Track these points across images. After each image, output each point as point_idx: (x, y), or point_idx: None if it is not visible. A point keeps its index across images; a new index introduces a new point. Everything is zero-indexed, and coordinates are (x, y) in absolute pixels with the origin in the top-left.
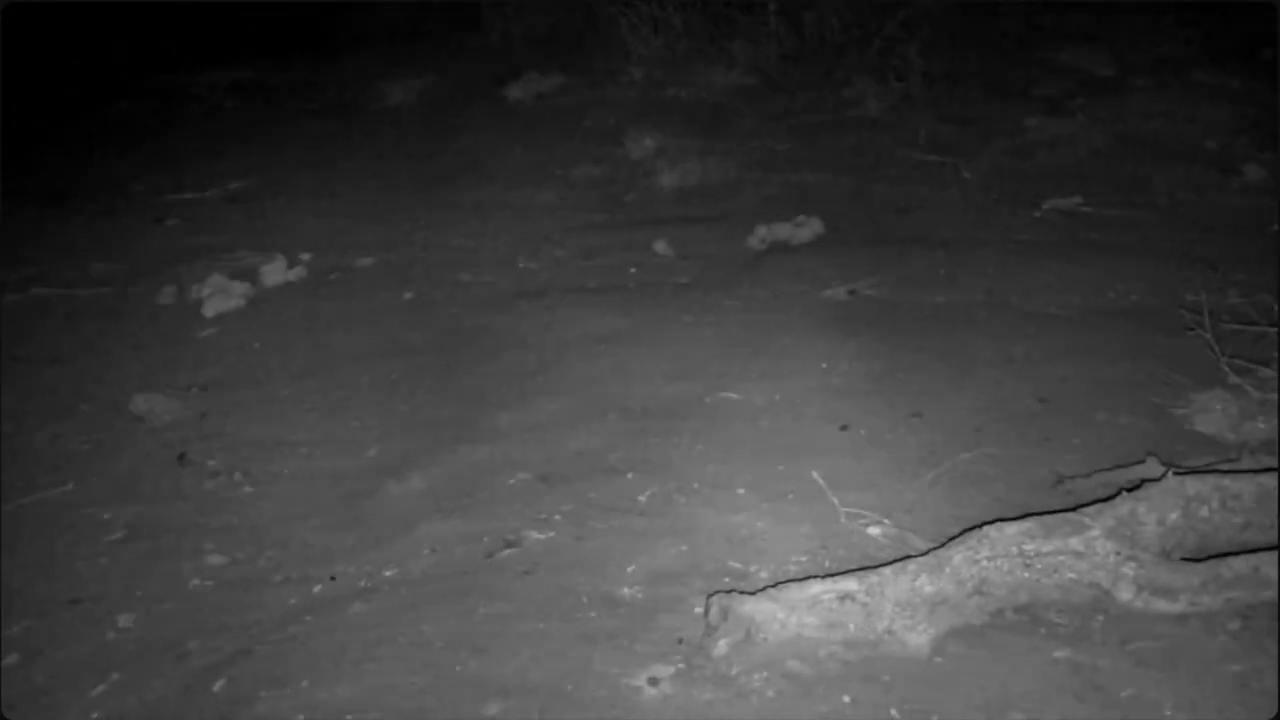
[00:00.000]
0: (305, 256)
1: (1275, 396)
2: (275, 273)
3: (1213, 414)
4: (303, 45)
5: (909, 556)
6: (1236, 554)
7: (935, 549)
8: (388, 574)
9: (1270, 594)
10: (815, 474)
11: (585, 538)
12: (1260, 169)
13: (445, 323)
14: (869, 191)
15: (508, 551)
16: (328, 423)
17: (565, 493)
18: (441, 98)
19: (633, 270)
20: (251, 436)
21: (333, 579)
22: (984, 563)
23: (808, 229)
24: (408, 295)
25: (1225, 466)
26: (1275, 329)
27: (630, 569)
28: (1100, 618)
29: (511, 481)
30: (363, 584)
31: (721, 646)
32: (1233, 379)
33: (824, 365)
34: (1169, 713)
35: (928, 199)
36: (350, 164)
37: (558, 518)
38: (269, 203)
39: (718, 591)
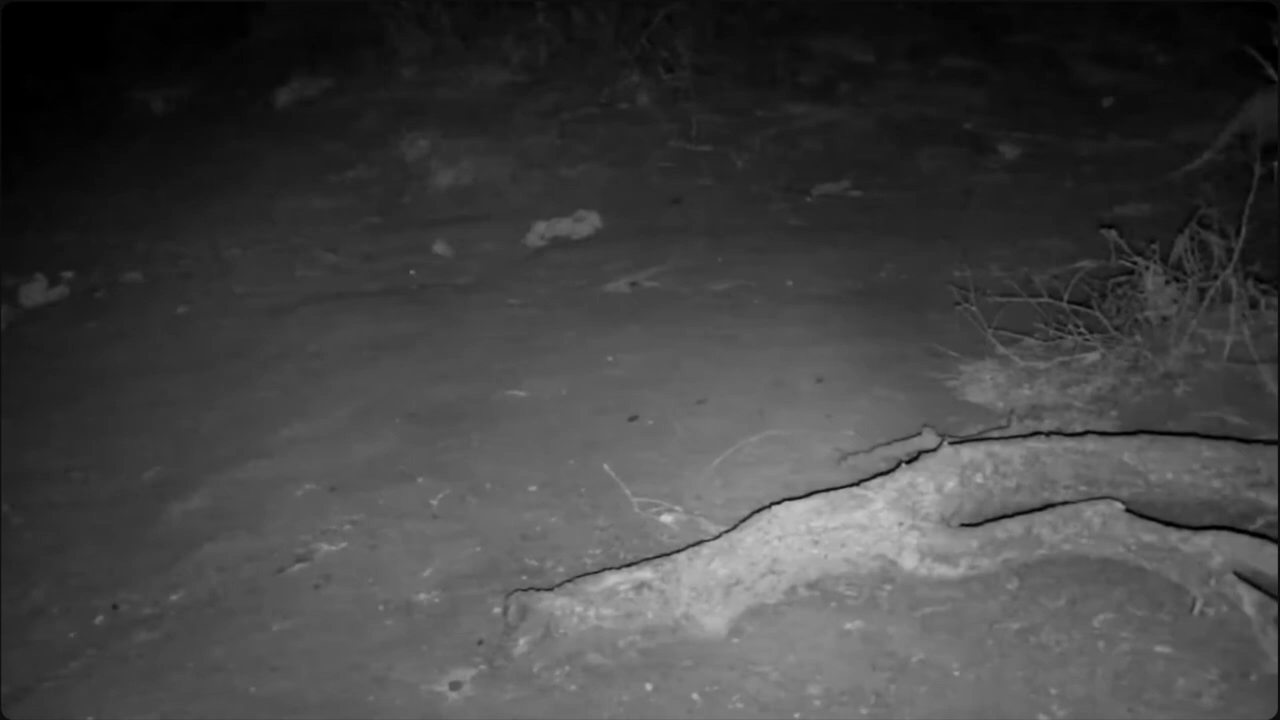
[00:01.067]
0: (67, 275)
1: (1039, 365)
2: (35, 293)
3: (982, 384)
4: (60, 49)
5: (702, 541)
6: (1010, 516)
7: (727, 532)
8: (174, 598)
9: (1043, 552)
10: (606, 466)
11: (378, 546)
12: (1014, 147)
13: (221, 336)
14: (645, 184)
15: (298, 566)
16: (101, 446)
17: (354, 502)
18: (207, 104)
19: (412, 272)
20: (19, 466)
21: (115, 608)
22: (774, 542)
23: (586, 223)
24: (180, 310)
25: (996, 433)
26: (1035, 300)
27: (426, 574)
28: (888, 587)
29: (298, 494)
30: (148, 611)
31: (522, 645)
32: (999, 350)
33: (609, 358)
34: (957, 673)
35: (702, 189)
36: (113, 177)
37: (348, 527)
38: (26, 220)
39: (515, 590)
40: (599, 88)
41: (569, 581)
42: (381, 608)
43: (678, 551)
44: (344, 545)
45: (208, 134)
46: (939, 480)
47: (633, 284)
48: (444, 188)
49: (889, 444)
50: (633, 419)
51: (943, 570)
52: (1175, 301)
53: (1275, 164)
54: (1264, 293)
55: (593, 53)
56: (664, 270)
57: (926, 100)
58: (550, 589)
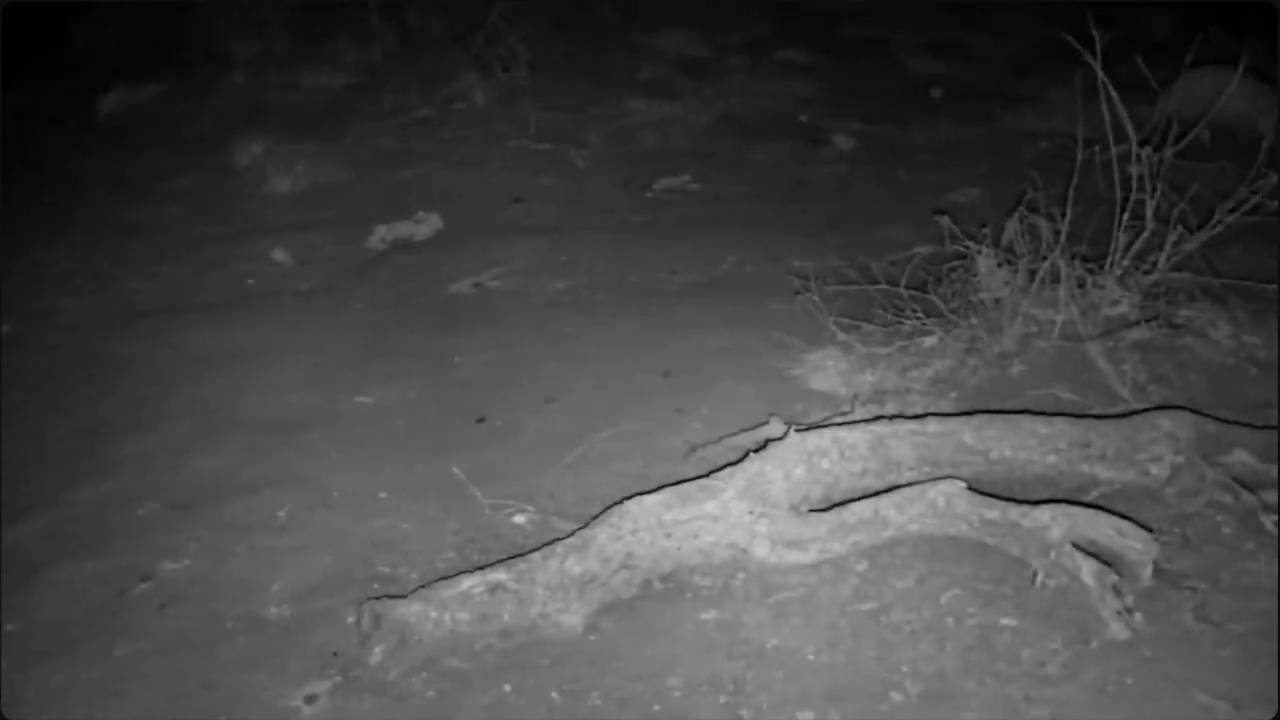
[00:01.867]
0: None
1: (880, 350)
2: None
3: (825, 371)
4: None
5: (555, 540)
6: (857, 500)
7: (580, 529)
8: (10, 628)
9: (890, 533)
10: (456, 469)
11: (225, 562)
12: (849, 139)
13: (51, 354)
14: (485, 184)
15: (143, 586)
16: None
17: (199, 518)
18: (26, 113)
19: (251, 281)
20: None
21: None
22: (628, 537)
23: (427, 225)
24: (5, 329)
25: (840, 419)
26: (873, 287)
27: (275, 588)
28: (741, 575)
29: (140, 512)
30: None
31: (377, 654)
32: (840, 337)
33: (456, 360)
34: (812, 656)
35: (543, 187)
36: None
37: (193, 545)
38: None
39: (368, 599)
40: (436, 88)
41: (423, 587)
42: (231, 625)
43: (532, 551)
44: (189, 563)
45: (27, 144)
46: (787, 468)
47: (477, 285)
48: (281, 193)
49: (737, 434)
50: (481, 420)
51: (794, 556)
52: (1007, 284)
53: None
54: (1090, 272)
55: (428, 53)
56: (508, 270)
57: (762, 94)
58: (404, 596)
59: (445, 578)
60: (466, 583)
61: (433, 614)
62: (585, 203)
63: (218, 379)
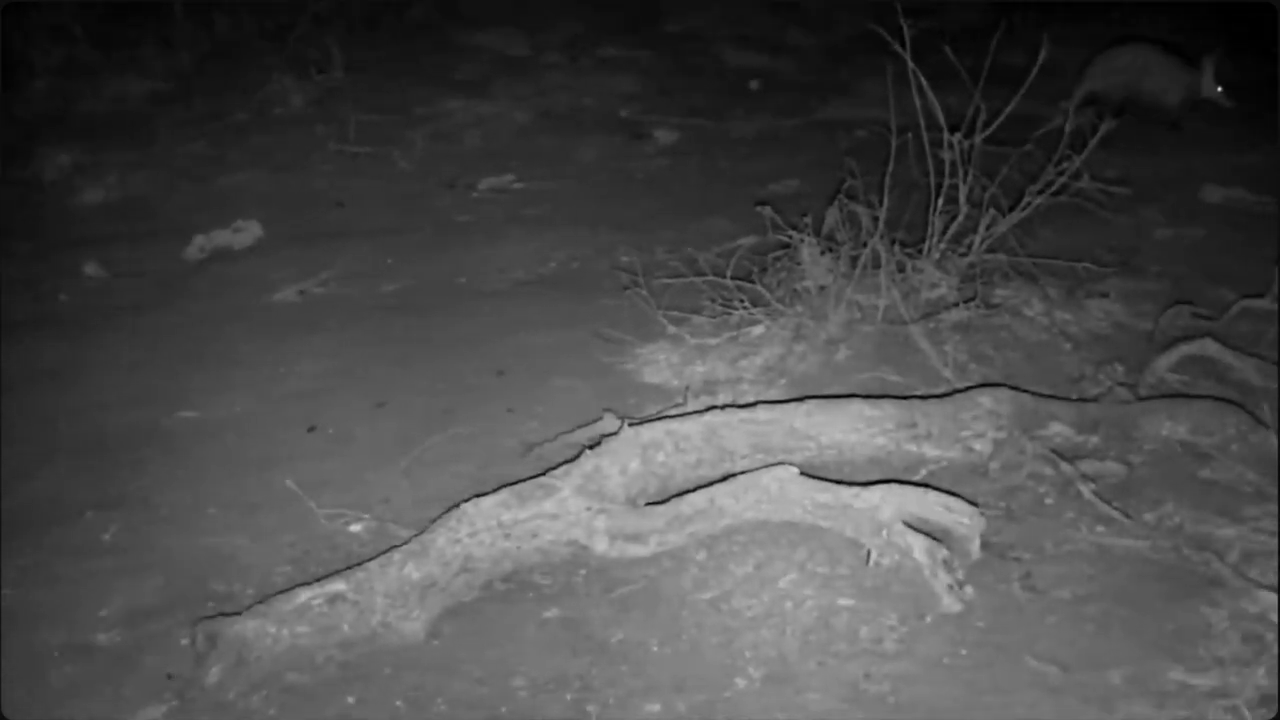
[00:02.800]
0: None
1: (710, 341)
2: None
3: (657, 364)
4: None
5: (394, 547)
6: (693, 490)
7: (418, 535)
8: None
9: (727, 522)
10: (288, 481)
11: (50, 588)
12: (670, 132)
13: None
14: (305, 189)
15: None
16: None
17: (20, 544)
18: None
19: (63, 297)
20: None
21: None
22: (466, 540)
23: (248, 233)
24: None
25: (674, 411)
26: (701, 279)
27: (104, 613)
28: (582, 572)
29: None
30: None
31: (214, 674)
32: (670, 330)
33: (281, 370)
34: (656, 648)
35: (364, 190)
36: None
37: (14, 572)
38: None
39: (203, 618)
40: (249, 93)
41: (259, 603)
42: (58, 653)
43: (370, 560)
44: (10, 592)
45: None
46: (623, 462)
47: (301, 292)
48: (92, 205)
49: (572, 431)
50: (312, 430)
51: (634, 550)
52: (830, 271)
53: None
54: (910, 257)
55: (239, 57)
56: (333, 275)
57: (583, 90)
58: (240, 613)
59: (282, 592)
60: (304, 595)
61: (270, 629)
62: (409, 205)
63: (35, 399)
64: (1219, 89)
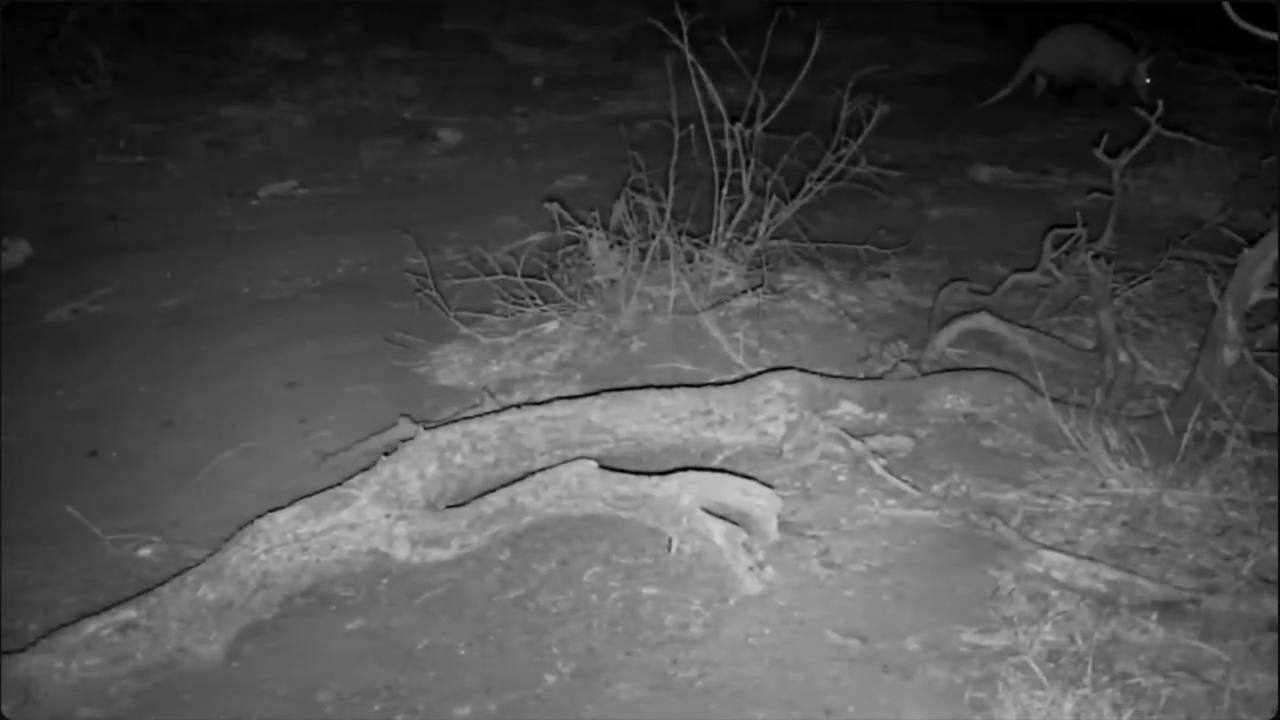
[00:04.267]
0: None
1: (504, 340)
2: None
3: (451, 366)
4: None
5: (186, 569)
6: (493, 490)
7: (212, 555)
8: None
9: (529, 519)
10: (70, 508)
11: None
12: (455, 132)
13: None
14: (75, 203)
15: None
16: None
17: None
18: None
19: None
20: None
21: None
22: (262, 557)
23: (15, 252)
24: None
25: (470, 412)
26: (491, 278)
27: None
28: (385, 580)
29: None
30: None
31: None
32: (464, 330)
33: (59, 393)
34: (463, 652)
35: (139, 202)
36: None
37: None
38: None
39: None
40: (10, 105)
41: (43, 637)
42: None
43: (161, 584)
44: None
45: None
46: (420, 467)
47: (75, 311)
48: None
49: (368, 439)
50: (94, 454)
51: (436, 554)
52: (620, 264)
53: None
54: (697, 247)
55: None
56: (109, 293)
57: (363, 93)
58: (24, 649)
59: (69, 624)
60: (92, 626)
61: (58, 664)
62: (187, 215)
63: None
64: (1147, 80)
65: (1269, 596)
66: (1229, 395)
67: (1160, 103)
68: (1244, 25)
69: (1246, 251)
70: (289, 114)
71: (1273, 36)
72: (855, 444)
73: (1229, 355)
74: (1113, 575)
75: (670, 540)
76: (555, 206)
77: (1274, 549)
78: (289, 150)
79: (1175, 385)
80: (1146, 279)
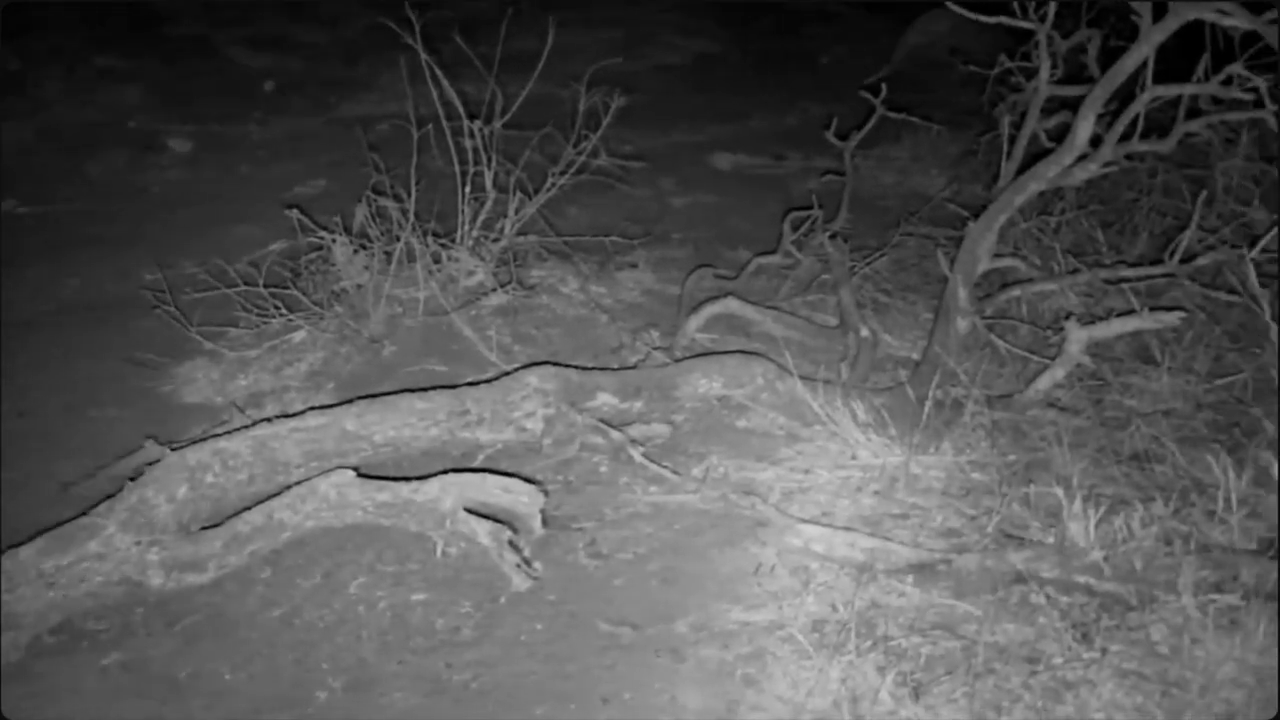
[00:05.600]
0: None
1: (250, 353)
2: None
3: (197, 383)
4: None
5: None
6: (249, 508)
7: None
8: None
9: (288, 535)
10: None
11: None
12: (185, 141)
13: None
14: None
15: None
16: None
17: None
18: None
19: None
20: None
21: None
22: (5, 597)
23: None
24: None
25: (220, 430)
26: (233, 290)
27: None
28: (140, 610)
29: None
30: None
31: None
32: (207, 346)
33: None
34: (229, 677)
35: None
36: None
37: None
38: None
39: None
40: None
41: None
42: None
43: None
44: None
45: None
46: (169, 490)
47: None
48: None
49: (113, 464)
50: None
51: (193, 578)
52: (367, 268)
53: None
54: (444, 247)
55: None
56: None
57: (85, 103)
58: None
59: None
60: None
61: None
62: None
63: None
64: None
65: (1014, 551)
66: (964, 362)
67: (884, 85)
68: (962, 12)
69: (971, 224)
70: (5, 129)
71: (987, 19)
72: (614, 434)
73: (962, 324)
74: (868, 543)
75: (435, 544)
76: (295, 213)
77: (1014, 505)
78: (6, 165)
79: (914, 356)
80: (881, 255)
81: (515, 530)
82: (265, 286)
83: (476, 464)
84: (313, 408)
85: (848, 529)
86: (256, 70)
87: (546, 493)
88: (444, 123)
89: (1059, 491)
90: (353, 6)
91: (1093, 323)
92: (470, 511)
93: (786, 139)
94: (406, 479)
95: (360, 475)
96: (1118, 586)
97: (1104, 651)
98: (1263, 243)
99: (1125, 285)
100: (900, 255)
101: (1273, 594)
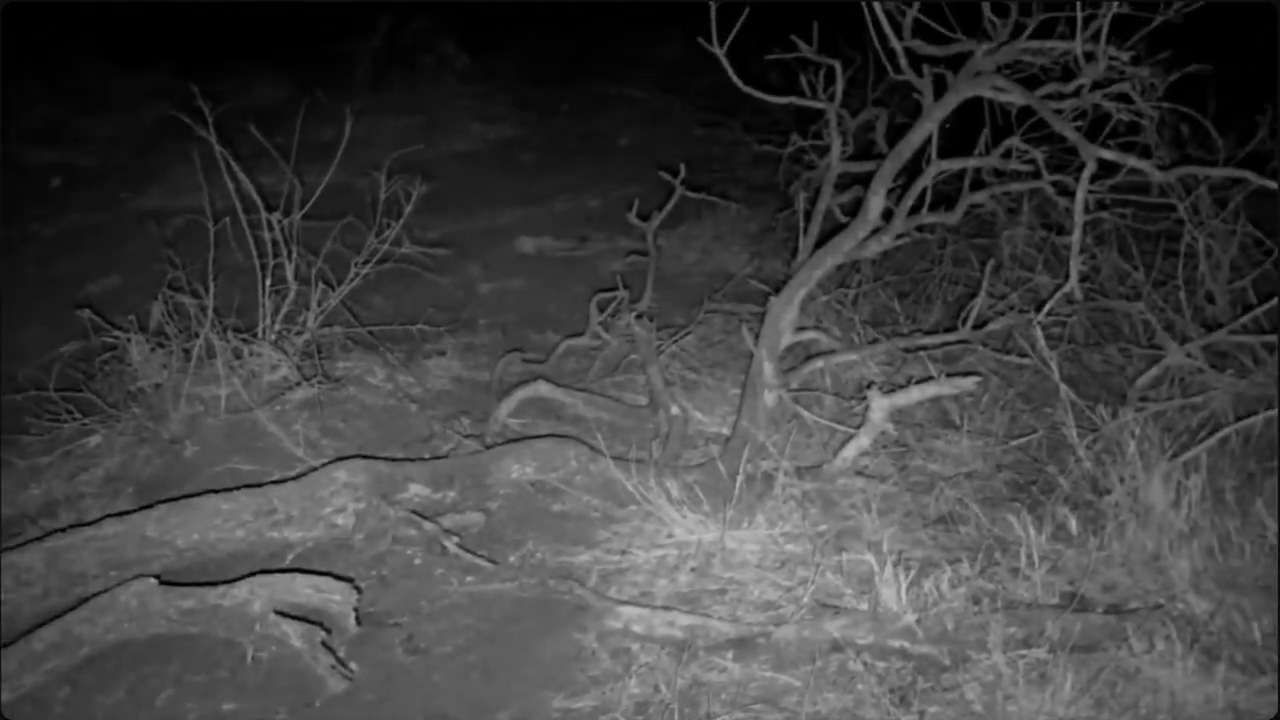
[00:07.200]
0: None
1: (43, 460)
2: None
3: None
4: None
5: None
6: (44, 625)
7: None
8: None
9: (87, 650)
10: None
11: None
12: None
13: None
14: None
15: None
16: None
17: None
18: None
19: None
20: None
21: None
22: None
23: None
24: None
25: (10, 542)
26: (22, 395)
27: None
28: None
29: None
30: None
31: None
32: None
33: None
34: None
35: None
36: None
37: None
38: None
39: None
40: None
41: None
42: None
43: None
44: None
45: None
46: None
47: None
48: None
49: None
50: None
51: None
52: (165, 367)
53: None
54: (245, 342)
55: None
56: None
57: None
58: None
59: None
60: None
61: None
62: None
63: None
64: None
65: (829, 620)
66: (773, 435)
67: (682, 166)
68: (749, 90)
69: (773, 299)
70: None
71: (778, 100)
72: (428, 525)
73: (769, 398)
74: (688, 621)
75: (246, 649)
76: (86, 313)
77: (828, 574)
78: None
79: (725, 431)
80: (688, 333)
81: (329, 630)
82: (56, 390)
83: (286, 564)
84: (110, 515)
85: (666, 608)
86: (42, 165)
87: (360, 589)
88: (241, 215)
89: (870, 558)
90: (142, 98)
91: (894, 391)
92: (281, 614)
93: (590, 221)
94: (213, 584)
95: (163, 583)
96: (931, 648)
97: (921, 715)
98: (1048, 306)
99: (923, 353)
100: (706, 332)
101: (1078, 646)
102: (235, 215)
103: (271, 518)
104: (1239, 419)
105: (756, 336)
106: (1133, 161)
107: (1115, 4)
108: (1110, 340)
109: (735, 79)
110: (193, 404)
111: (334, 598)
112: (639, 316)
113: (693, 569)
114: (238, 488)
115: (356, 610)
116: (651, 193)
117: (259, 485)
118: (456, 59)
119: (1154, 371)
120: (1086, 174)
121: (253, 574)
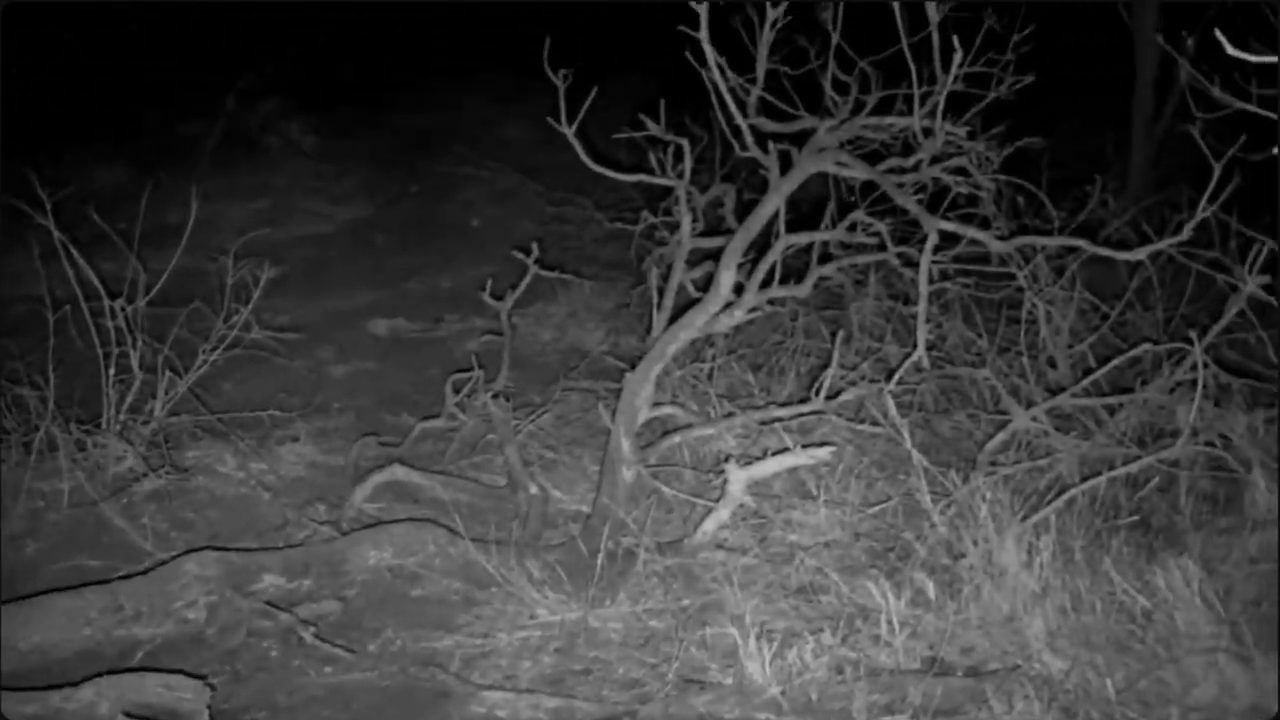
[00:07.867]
0: None
1: None
2: None
3: None
4: None
5: None
6: None
7: None
8: None
9: None
10: None
11: None
12: None
13: None
14: None
15: None
16: None
17: None
18: None
19: None
20: None
21: None
22: None
23: None
24: None
25: None
26: None
27: None
28: None
29: None
30: None
31: None
32: None
33: None
34: None
35: None
36: None
37: None
38: None
39: None
40: None
41: None
42: None
43: None
44: None
45: None
46: None
47: None
48: None
49: None
50: None
51: None
52: (3, 461)
53: None
54: (88, 433)
55: None
56: None
57: None
58: None
59: None
60: None
61: None
62: None
63: None
64: None
65: (695, 695)
66: (633, 511)
67: (535, 245)
68: (599, 169)
69: (629, 375)
70: None
71: (627, 178)
72: (282, 616)
73: (627, 474)
74: (552, 703)
75: None
76: None
77: (693, 649)
78: None
79: (585, 509)
80: (545, 411)
81: None
82: None
83: (135, 662)
84: None
85: (531, 691)
86: None
87: (213, 686)
88: (83, 303)
89: (734, 631)
90: None
91: (751, 463)
92: (130, 715)
93: (444, 301)
94: (57, 686)
95: (4, 688)
96: None
97: None
98: (897, 375)
99: (778, 424)
100: (563, 410)
101: (940, 710)
102: (76, 303)
103: (119, 615)
104: (1084, 479)
105: (613, 413)
106: (972, 232)
107: (950, 81)
108: (959, 406)
109: (585, 158)
110: (33, 499)
111: (185, 696)
112: (495, 396)
113: (557, 649)
114: (83, 584)
115: (210, 708)
116: (505, 272)
117: (105, 581)
118: (304, 140)
119: (1002, 436)
120: (929, 245)
121: (100, 674)
